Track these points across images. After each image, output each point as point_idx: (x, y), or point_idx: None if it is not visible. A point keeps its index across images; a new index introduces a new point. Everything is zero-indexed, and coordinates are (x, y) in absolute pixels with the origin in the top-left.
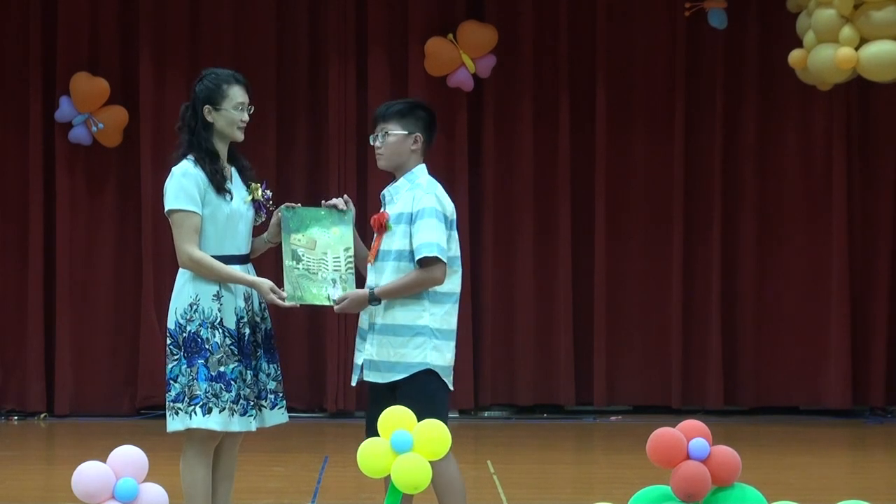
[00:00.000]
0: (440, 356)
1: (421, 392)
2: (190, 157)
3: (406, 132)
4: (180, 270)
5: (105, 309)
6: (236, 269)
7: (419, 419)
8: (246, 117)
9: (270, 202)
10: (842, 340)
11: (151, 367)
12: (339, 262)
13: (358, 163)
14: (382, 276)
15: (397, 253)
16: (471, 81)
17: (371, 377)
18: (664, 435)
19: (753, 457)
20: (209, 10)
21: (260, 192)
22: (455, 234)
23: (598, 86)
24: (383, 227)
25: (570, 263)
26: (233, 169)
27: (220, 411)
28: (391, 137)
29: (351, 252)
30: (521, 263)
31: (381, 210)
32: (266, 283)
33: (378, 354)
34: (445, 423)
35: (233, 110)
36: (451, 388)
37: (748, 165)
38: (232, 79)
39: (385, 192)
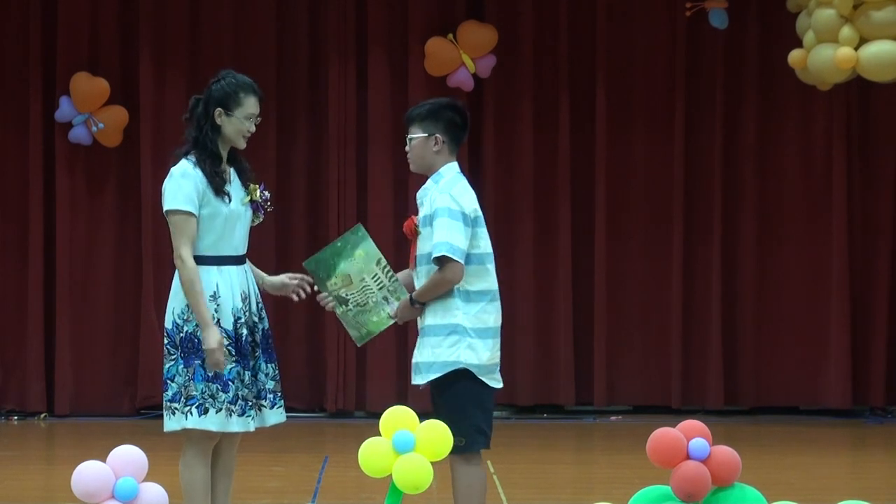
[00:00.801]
0: (474, 355)
1: (448, 390)
2: (191, 156)
3: (426, 134)
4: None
5: (105, 309)
6: (203, 301)
7: (448, 417)
8: (253, 128)
9: (269, 203)
10: (842, 340)
11: (151, 367)
12: (380, 278)
13: (358, 163)
14: (421, 280)
15: (427, 256)
16: (471, 81)
17: (415, 379)
18: (664, 435)
19: (753, 457)
20: (209, 10)
21: (258, 192)
22: (482, 230)
23: (598, 86)
24: (414, 233)
25: (570, 263)
26: (232, 170)
27: (217, 412)
28: (413, 141)
29: (383, 261)
30: (521, 263)
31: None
32: (216, 339)
33: (419, 356)
34: (480, 423)
35: (244, 119)
36: (496, 385)
37: (748, 165)
38: (250, 88)
39: (417, 194)
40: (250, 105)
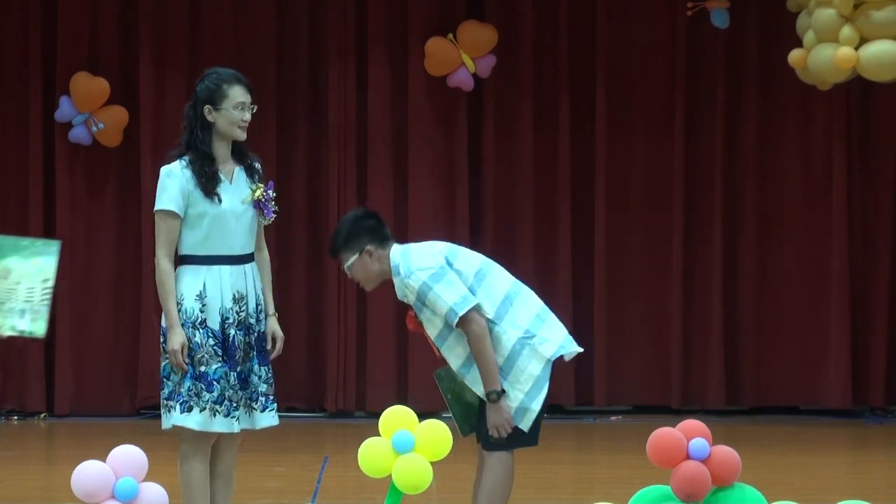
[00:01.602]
0: (550, 344)
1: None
2: (184, 157)
3: (357, 254)
4: None
5: (105, 309)
6: (172, 303)
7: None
8: (247, 116)
9: (273, 202)
10: (842, 340)
11: (151, 367)
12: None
13: (358, 163)
14: (453, 354)
15: (444, 330)
16: (471, 81)
17: (522, 423)
18: (664, 435)
19: (753, 457)
20: (209, 10)
21: (260, 192)
22: (460, 258)
23: (598, 86)
24: (419, 324)
25: (570, 263)
26: (238, 168)
27: (201, 411)
28: (353, 268)
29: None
30: (521, 264)
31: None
32: (178, 341)
33: (516, 398)
34: (539, 420)
35: (233, 110)
36: (580, 349)
37: (748, 165)
38: (233, 78)
39: (398, 296)
40: (237, 94)
